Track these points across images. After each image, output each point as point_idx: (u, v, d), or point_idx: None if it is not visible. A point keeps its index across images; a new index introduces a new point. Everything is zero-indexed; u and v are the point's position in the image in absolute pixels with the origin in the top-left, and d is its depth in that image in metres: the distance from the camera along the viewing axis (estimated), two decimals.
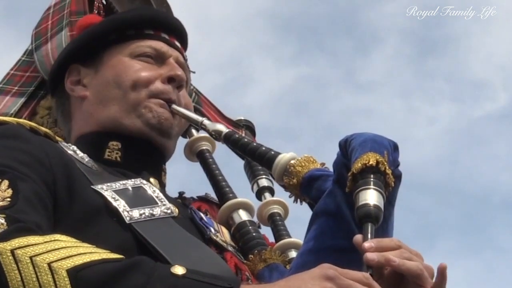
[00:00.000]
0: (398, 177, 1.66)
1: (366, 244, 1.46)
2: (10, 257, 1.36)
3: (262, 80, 7.67)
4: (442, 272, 1.47)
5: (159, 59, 2.03)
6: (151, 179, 1.90)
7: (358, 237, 1.50)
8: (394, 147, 1.68)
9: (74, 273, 1.35)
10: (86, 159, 1.83)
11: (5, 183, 1.54)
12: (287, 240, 2.11)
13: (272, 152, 1.88)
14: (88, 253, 1.40)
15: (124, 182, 1.78)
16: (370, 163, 1.58)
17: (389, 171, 1.60)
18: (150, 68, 2.00)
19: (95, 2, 2.54)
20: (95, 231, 1.61)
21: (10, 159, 1.61)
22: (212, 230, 1.90)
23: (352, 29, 8.10)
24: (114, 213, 1.67)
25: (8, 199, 1.50)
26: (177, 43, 2.09)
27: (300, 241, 1.95)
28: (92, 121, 1.98)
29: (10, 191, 1.53)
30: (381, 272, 1.47)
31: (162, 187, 1.95)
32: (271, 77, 7.77)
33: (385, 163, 1.60)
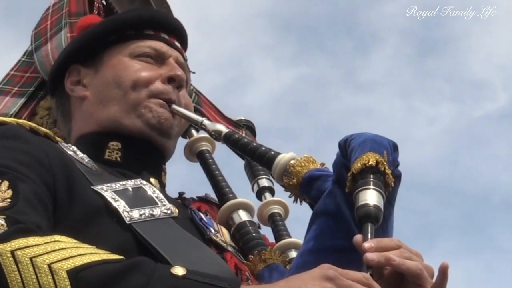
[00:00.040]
0: (397, 177, 1.66)
1: (366, 244, 1.46)
2: (10, 258, 1.36)
3: (262, 80, 7.67)
4: (444, 271, 1.47)
5: (159, 59, 2.03)
6: (151, 179, 1.90)
7: (358, 237, 1.50)
8: (394, 147, 1.68)
9: (74, 274, 1.35)
10: (86, 160, 1.84)
11: (5, 183, 1.54)
12: (287, 240, 2.11)
13: (272, 152, 1.88)
14: (88, 254, 1.40)
15: (124, 182, 1.78)
16: (370, 163, 1.58)
17: (388, 171, 1.60)
18: (150, 68, 2.00)
19: (95, 3, 2.54)
20: (95, 232, 1.61)
21: (10, 160, 1.62)
22: (212, 230, 1.90)
23: (352, 29, 8.10)
24: (114, 213, 1.67)
25: (8, 200, 1.51)
26: (177, 43, 2.09)
27: (300, 241, 1.95)
28: (92, 121, 1.98)
29: (10, 192, 1.53)
30: (381, 272, 1.47)
31: (162, 187, 1.95)
32: (271, 77, 7.78)
33: (385, 163, 1.60)
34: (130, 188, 1.77)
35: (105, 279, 1.36)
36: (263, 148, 1.90)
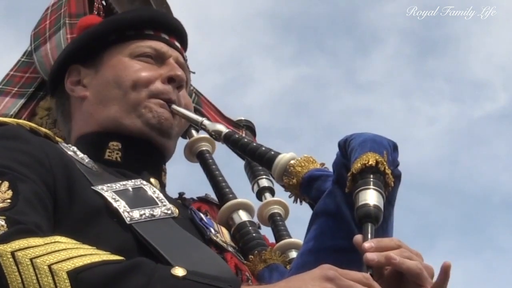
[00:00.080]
0: (397, 177, 1.66)
1: (366, 244, 1.46)
2: (11, 259, 1.36)
3: (262, 80, 7.67)
4: (446, 270, 1.47)
5: (159, 59, 2.03)
6: (152, 179, 1.90)
7: (358, 237, 1.50)
8: (394, 147, 1.68)
9: (75, 275, 1.35)
10: (86, 160, 1.84)
11: (5, 184, 1.54)
12: (287, 240, 2.11)
13: (272, 152, 1.88)
14: (88, 254, 1.40)
15: (124, 182, 1.78)
16: (370, 163, 1.58)
17: (388, 171, 1.60)
18: (150, 68, 2.00)
19: (95, 3, 2.54)
20: (96, 232, 1.61)
21: (10, 160, 1.62)
22: (212, 230, 1.90)
23: (352, 29, 8.10)
24: (115, 213, 1.67)
25: (8, 201, 1.51)
26: (177, 44, 2.09)
27: (301, 241, 1.95)
28: (92, 121, 1.98)
29: (10, 193, 1.53)
30: (381, 272, 1.47)
31: (163, 187, 1.95)
32: (271, 77, 7.78)
33: (385, 163, 1.60)
34: (130, 188, 1.77)
35: (105, 280, 1.36)
36: (263, 148, 1.90)
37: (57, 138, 1.94)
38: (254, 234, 2.05)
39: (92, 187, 1.72)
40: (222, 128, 1.97)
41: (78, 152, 1.85)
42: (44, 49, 2.47)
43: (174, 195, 2.01)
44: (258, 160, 1.92)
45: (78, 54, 2.06)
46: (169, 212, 1.75)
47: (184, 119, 2.00)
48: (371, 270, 1.43)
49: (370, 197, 1.55)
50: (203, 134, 2.38)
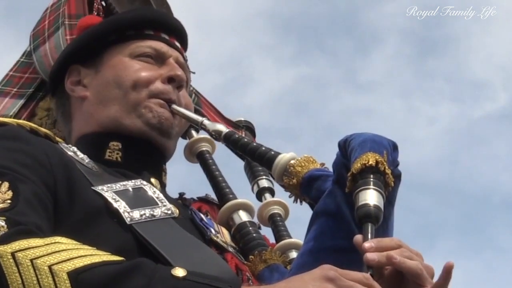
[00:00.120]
0: (397, 176, 1.67)
1: (366, 244, 1.46)
2: (11, 260, 1.36)
3: (262, 80, 7.67)
4: (448, 270, 1.47)
5: (159, 59, 2.03)
6: (152, 179, 1.90)
7: (358, 237, 1.50)
8: (394, 147, 1.68)
9: (75, 275, 1.35)
10: (87, 160, 1.84)
11: (5, 185, 1.54)
12: (287, 240, 2.11)
13: (272, 152, 1.88)
14: (88, 255, 1.40)
15: (124, 183, 1.78)
16: (370, 163, 1.58)
17: (388, 171, 1.60)
18: (150, 68, 2.00)
19: (95, 4, 2.54)
20: (96, 232, 1.61)
21: (10, 161, 1.62)
22: (213, 231, 1.90)
23: (352, 29, 8.10)
24: (115, 214, 1.67)
25: (9, 201, 1.50)
26: (177, 44, 2.09)
27: (301, 241, 1.95)
28: (92, 121, 1.98)
29: (10, 193, 1.53)
30: (381, 272, 1.47)
31: (163, 187, 1.95)
32: (271, 77, 7.78)
33: (385, 163, 1.60)
34: (130, 189, 1.77)
35: (106, 280, 1.36)
36: (263, 148, 1.90)
37: (57, 139, 1.94)
38: (254, 234, 2.05)
39: (92, 188, 1.71)
40: (222, 128, 1.97)
41: (78, 153, 1.85)
42: (43, 49, 2.47)
43: (175, 195, 2.01)
44: (258, 160, 1.92)
45: (78, 54, 2.06)
46: (169, 212, 1.75)
47: (184, 119, 2.00)
48: (372, 270, 1.43)
49: (370, 197, 1.55)
50: (203, 135, 2.39)
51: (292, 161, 1.83)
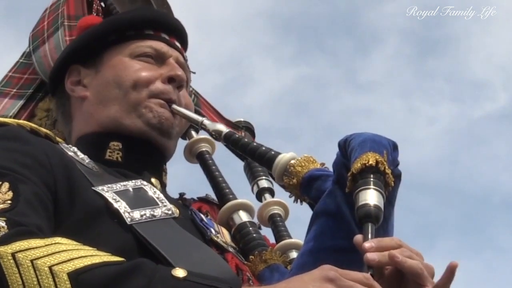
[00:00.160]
0: (397, 176, 1.66)
1: (367, 244, 1.46)
2: (11, 261, 1.36)
3: (262, 80, 7.67)
4: (452, 270, 1.46)
5: (159, 59, 2.03)
6: (152, 179, 1.90)
7: (358, 237, 1.50)
8: (394, 147, 1.68)
9: (75, 276, 1.35)
10: (87, 161, 1.83)
11: (6, 185, 1.54)
12: (287, 240, 2.11)
13: (272, 152, 1.88)
14: (89, 256, 1.40)
15: (124, 183, 1.78)
16: (370, 163, 1.58)
17: (388, 171, 1.60)
18: (150, 68, 2.00)
19: (94, 5, 2.54)
20: (96, 233, 1.61)
21: (10, 161, 1.61)
22: (213, 231, 1.90)
23: (352, 29, 8.10)
24: (115, 214, 1.67)
25: (9, 202, 1.50)
26: (177, 44, 2.09)
27: (301, 241, 1.95)
28: (92, 121, 1.98)
29: (10, 194, 1.52)
30: (381, 272, 1.47)
31: (163, 187, 1.96)
32: (271, 77, 7.78)
33: (385, 163, 1.60)
34: (130, 189, 1.77)
35: (106, 281, 1.36)
36: (263, 148, 1.90)
37: (58, 139, 1.94)
38: (254, 235, 2.05)
39: (93, 188, 1.71)
40: (223, 128, 1.97)
41: (79, 153, 1.85)
42: (42, 50, 2.47)
43: (175, 195, 2.01)
44: (258, 160, 1.92)
45: (78, 54, 2.07)
46: (170, 212, 1.75)
47: (185, 119, 2.00)
48: (372, 270, 1.43)
49: (371, 197, 1.54)
50: (202, 135, 2.39)
51: (292, 161, 1.83)
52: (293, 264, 1.86)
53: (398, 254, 1.44)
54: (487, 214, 7.77)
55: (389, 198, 1.62)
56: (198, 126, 2.00)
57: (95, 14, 2.50)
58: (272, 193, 2.34)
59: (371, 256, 1.44)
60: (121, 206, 1.69)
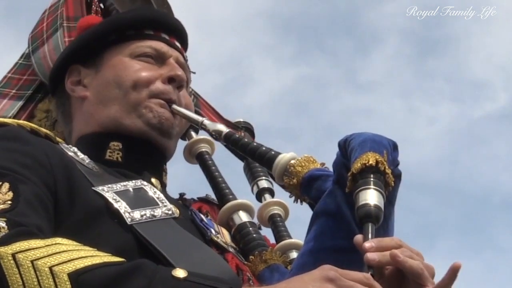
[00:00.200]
0: (398, 176, 1.66)
1: (367, 244, 1.46)
2: (12, 261, 1.36)
3: (262, 80, 7.67)
4: (455, 271, 1.45)
5: (159, 59, 2.03)
6: (153, 179, 1.90)
7: (358, 237, 1.50)
8: (394, 147, 1.68)
9: (76, 276, 1.35)
10: (87, 161, 1.83)
11: (6, 185, 1.54)
12: (287, 241, 2.11)
13: (272, 152, 1.88)
14: (89, 256, 1.40)
15: (125, 183, 1.78)
16: (370, 163, 1.58)
17: (388, 171, 1.60)
18: (150, 68, 2.00)
19: (93, 6, 2.55)
20: (96, 233, 1.61)
21: (10, 162, 1.61)
22: (213, 231, 1.90)
23: (352, 29, 8.11)
24: (115, 214, 1.67)
25: (9, 202, 1.50)
26: (177, 44, 2.09)
27: (301, 241, 1.95)
28: (92, 121, 1.98)
29: (10, 194, 1.52)
30: (381, 272, 1.47)
31: (163, 187, 1.96)
32: (271, 77, 7.78)
33: (385, 163, 1.60)
34: (131, 189, 1.77)
35: (106, 281, 1.36)
36: (264, 148, 1.90)
37: (58, 139, 1.94)
38: (254, 235, 2.05)
39: (93, 188, 1.71)
40: (223, 128, 1.97)
41: (79, 153, 1.85)
42: (42, 51, 2.47)
43: (175, 195, 2.01)
44: (258, 160, 1.92)
45: (78, 54, 2.07)
46: (170, 212, 1.75)
47: (185, 119, 2.00)
48: (372, 270, 1.43)
49: (371, 197, 1.54)
50: (202, 136, 2.39)
51: (292, 161, 1.83)
52: (293, 264, 1.86)
53: (400, 254, 1.44)
54: (487, 214, 7.78)
55: (389, 198, 1.62)
56: (198, 126, 2.00)
57: (94, 15, 2.50)
58: (272, 193, 2.34)
59: (371, 256, 1.44)
60: (121, 206, 1.69)
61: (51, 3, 2.59)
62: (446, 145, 7.96)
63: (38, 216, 1.53)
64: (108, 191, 1.72)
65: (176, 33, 2.10)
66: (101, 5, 2.60)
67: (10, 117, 2.33)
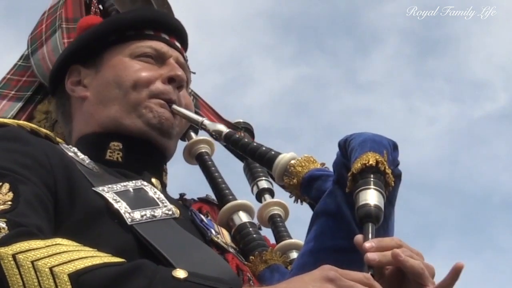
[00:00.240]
0: (398, 176, 1.66)
1: (367, 244, 1.45)
2: (12, 262, 1.36)
3: (262, 80, 7.68)
4: (457, 271, 1.45)
5: (159, 59, 2.03)
6: (153, 180, 1.90)
7: (358, 237, 1.50)
8: (394, 147, 1.68)
9: (76, 277, 1.35)
10: (87, 161, 1.83)
11: (6, 186, 1.54)
12: (288, 241, 2.11)
13: (273, 152, 1.88)
14: (89, 257, 1.40)
15: (125, 183, 1.78)
16: (370, 163, 1.58)
17: (388, 171, 1.60)
18: (150, 68, 2.00)
19: (92, 7, 2.55)
20: (97, 233, 1.61)
21: (10, 162, 1.61)
22: (213, 231, 1.90)
23: (352, 29, 8.11)
24: (116, 214, 1.67)
25: (9, 203, 1.50)
26: (177, 44, 2.09)
27: (301, 242, 1.95)
28: (92, 121, 1.98)
29: (11, 195, 1.52)
30: (382, 272, 1.47)
31: (164, 187, 1.96)
32: (271, 77, 7.79)
33: (385, 163, 1.60)
34: (131, 189, 1.77)
35: (107, 282, 1.36)
36: (264, 148, 1.90)
37: (58, 139, 1.94)
38: (254, 235, 2.05)
39: (93, 188, 1.71)
40: (223, 128, 1.97)
41: (79, 153, 1.85)
42: (41, 53, 2.47)
43: (175, 195, 2.01)
44: (258, 160, 1.92)
45: (78, 54, 2.07)
46: (170, 213, 1.75)
47: (185, 119, 2.00)
48: (372, 270, 1.43)
49: (371, 197, 1.54)
50: (201, 136, 2.39)
51: (292, 161, 1.83)
52: (293, 264, 1.86)
53: (402, 253, 1.44)
54: (487, 214, 7.78)
55: (389, 198, 1.62)
56: (198, 126, 2.00)
57: (94, 15, 2.50)
58: (272, 193, 2.34)
59: (371, 256, 1.43)
60: (122, 206, 1.69)
61: (50, 5, 2.59)
62: (446, 145, 7.96)
63: (38, 217, 1.53)
64: (108, 192, 1.72)
65: (176, 33, 2.10)
66: (100, 6, 2.60)
67: (9, 118, 2.33)
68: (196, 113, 2.29)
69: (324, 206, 1.73)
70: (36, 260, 1.36)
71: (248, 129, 2.63)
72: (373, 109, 7.67)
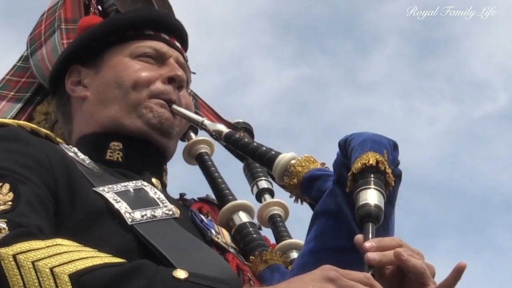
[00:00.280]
0: (398, 176, 1.66)
1: (367, 244, 1.45)
2: (12, 262, 1.36)
3: (262, 80, 7.68)
4: (460, 271, 1.45)
5: (159, 59, 2.03)
6: (153, 180, 1.90)
7: (359, 237, 1.50)
8: (394, 146, 1.68)
9: (76, 277, 1.35)
10: (87, 161, 1.83)
11: (6, 186, 1.54)
12: (288, 241, 2.11)
13: (273, 152, 1.88)
14: (90, 257, 1.40)
15: (125, 184, 1.78)
16: (370, 162, 1.58)
17: (389, 170, 1.60)
18: (150, 68, 2.00)
19: (91, 8, 2.55)
20: (97, 233, 1.61)
21: (11, 162, 1.61)
22: (213, 231, 1.90)
23: (352, 29, 8.11)
24: (116, 215, 1.67)
25: (10, 203, 1.50)
26: (178, 44, 2.09)
27: (301, 242, 1.95)
28: (92, 121, 1.98)
29: (11, 195, 1.52)
30: (382, 271, 1.47)
31: (164, 187, 1.96)
32: (271, 77, 7.79)
33: (385, 163, 1.60)
34: (131, 189, 1.77)
35: (107, 282, 1.36)
36: (264, 148, 1.90)
37: (58, 139, 1.94)
38: (254, 235, 2.05)
39: (93, 189, 1.71)
40: (223, 128, 1.97)
41: (79, 153, 1.85)
42: (40, 54, 2.47)
43: (175, 195, 2.01)
44: (258, 160, 1.92)
45: (78, 54, 2.06)
46: (171, 213, 1.75)
47: (185, 119, 2.00)
48: (373, 270, 1.43)
49: (371, 196, 1.54)
50: (201, 137, 2.39)
51: (292, 161, 1.83)
52: (293, 264, 1.86)
53: (404, 253, 1.44)
54: (487, 214, 7.79)
55: (390, 198, 1.62)
56: (199, 126, 2.00)
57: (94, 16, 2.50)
58: (272, 193, 2.34)
59: (371, 255, 1.43)
60: (122, 206, 1.69)
61: (49, 6, 2.59)
62: (446, 145, 7.97)
63: (39, 217, 1.53)
64: (109, 192, 1.72)
65: (176, 33, 2.10)
66: (99, 7, 2.60)
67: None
68: (196, 113, 2.29)
69: (324, 206, 1.73)
70: (36, 261, 1.36)
71: (247, 129, 2.63)
72: (373, 109, 7.68)
